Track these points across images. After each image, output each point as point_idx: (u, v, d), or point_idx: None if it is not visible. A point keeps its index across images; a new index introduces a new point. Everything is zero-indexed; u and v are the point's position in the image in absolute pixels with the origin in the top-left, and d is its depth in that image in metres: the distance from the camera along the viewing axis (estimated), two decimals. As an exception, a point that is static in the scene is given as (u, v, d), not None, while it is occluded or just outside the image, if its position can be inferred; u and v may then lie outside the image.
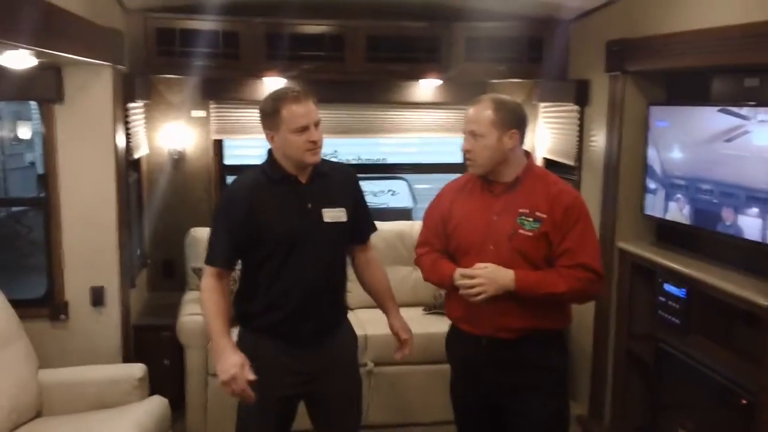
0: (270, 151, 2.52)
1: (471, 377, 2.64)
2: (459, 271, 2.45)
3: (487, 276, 2.38)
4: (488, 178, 2.53)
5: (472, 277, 2.40)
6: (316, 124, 2.42)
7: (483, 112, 2.46)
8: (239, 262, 2.59)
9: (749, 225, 2.96)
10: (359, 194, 2.66)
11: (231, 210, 2.47)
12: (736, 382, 2.89)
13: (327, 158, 2.64)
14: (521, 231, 2.44)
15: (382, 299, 2.74)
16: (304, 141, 2.38)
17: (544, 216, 2.43)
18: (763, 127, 2.86)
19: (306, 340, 2.51)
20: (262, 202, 2.45)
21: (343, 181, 2.60)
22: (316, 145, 2.41)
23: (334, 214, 2.50)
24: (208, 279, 2.51)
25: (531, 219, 2.44)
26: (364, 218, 2.67)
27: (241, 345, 2.51)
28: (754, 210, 2.93)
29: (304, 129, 2.38)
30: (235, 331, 2.60)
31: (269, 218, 2.43)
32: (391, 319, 2.71)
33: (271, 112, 2.40)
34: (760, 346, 2.72)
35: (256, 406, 2.44)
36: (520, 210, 2.46)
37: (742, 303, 2.85)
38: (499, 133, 2.44)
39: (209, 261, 2.52)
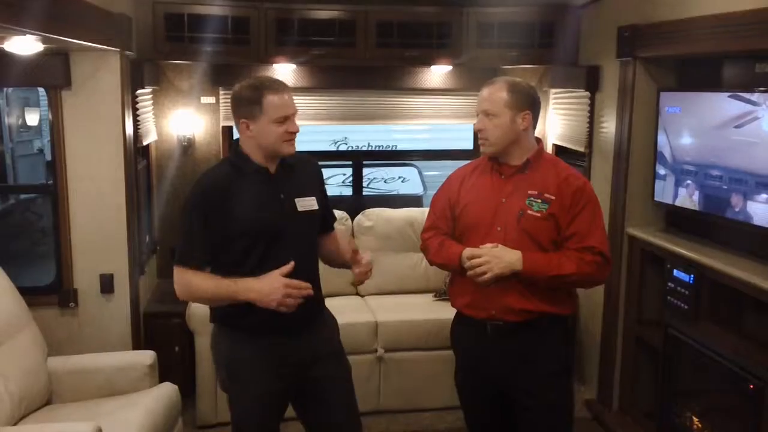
0: (236, 143, 2.47)
1: (476, 366, 2.64)
2: (468, 250, 2.45)
3: (495, 255, 2.39)
4: (498, 161, 2.54)
5: (479, 256, 2.40)
6: (294, 115, 2.41)
7: (497, 92, 2.47)
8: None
9: (758, 211, 2.94)
10: (323, 184, 2.65)
11: (205, 205, 2.37)
12: (744, 368, 2.89)
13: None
14: (529, 212, 2.45)
15: (345, 257, 2.60)
16: (284, 131, 2.36)
17: (553, 198, 2.45)
18: (774, 113, 2.83)
19: (291, 331, 2.44)
20: (235, 195, 2.37)
21: (309, 170, 2.59)
22: (293, 136, 2.40)
23: (306, 203, 2.47)
24: (181, 275, 2.40)
25: (539, 200, 2.45)
26: (328, 208, 2.66)
27: (220, 348, 2.49)
28: (764, 196, 2.91)
29: (285, 119, 2.36)
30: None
31: (246, 211, 2.36)
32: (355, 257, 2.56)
33: (251, 101, 2.35)
34: (769, 332, 2.72)
35: (247, 408, 2.44)
36: (529, 191, 2.47)
37: (751, 289, 2.84)
38: (513, 114, 2.46)
39: (183, 261, 2.40)
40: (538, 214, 2.45)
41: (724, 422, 3.13)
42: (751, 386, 2.82)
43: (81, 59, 3.50)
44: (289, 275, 2.32)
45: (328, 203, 2.65)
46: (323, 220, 2.60)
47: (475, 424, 2.78)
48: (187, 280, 2.39)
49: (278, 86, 2.39)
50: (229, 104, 4.59)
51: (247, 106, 2.37)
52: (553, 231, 2.46)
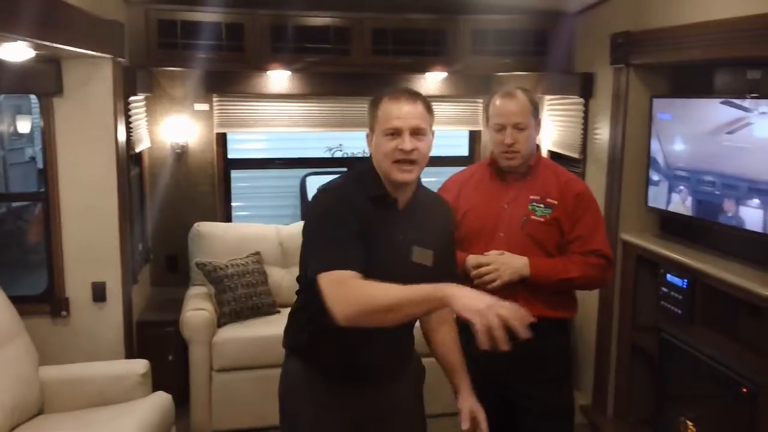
0: (370, 161, 2.06)
1: (477, 371, 2.63)
2: (472, 257, 2.45)
3: (503, 261, 2.41)
4: (502, 168, 2.55)
5: (486, 264, 2.41)
6: (414, 132, 1.95)
7: (524, 104, 2.49)
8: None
9: (751, 216, 2.95)
10: (452, 236, 2.22)
11: (345, 215, 1.92)
12: (738, 372, 2.90)
13: (424, 185, 2.18)
14: (533, 217, 2.48)
15: (452, 370, 2.17)
16: (393, 149, 1.93)
17: (555, 202, 2.48)
18: (764, 119, 2.84)
19: (371, 377, 2.08)
20: (363, 222, 1.93)
21: (441, 216, 2.18)
22: (407, 157, 1.94)
23: (422, 255, 2.05)
24: (339, 279, 1.81)
25: (542, 205, 2.48)
26: (448, 265, 2.17)
27: (291, 378, 2.15)
28: (756, 201, 2.92)
29: (396, 132, 1.94)
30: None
31: (368, 245, 1.91)
32: (462, 396, 2.14)
33: (372, 107, 2.02)
34: (762, 336, 2.73)
35: None
36: (532, 197, 2.50)
37: (744, 293, 2.84)
38: (535, 123, 2.52)
39: (337, 263, 1.83)
40: (542, 219, 2.47)
41: (718, 426, 3.12)
42: (744, 389, 2.83)
43: (73, 66, 3.49)
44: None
45: (450, 260, 2.18)
46: (438, 278, 2.03)
47: None
48: (352, 284, 1.79)
49: (402, 94, 1.98)
50: (222, 112, 4.71)
51: (369, 114, 2.03)
52: (557, 235, 2.49)
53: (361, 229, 1.90)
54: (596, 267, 2.48)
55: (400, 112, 1.95)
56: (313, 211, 2.01)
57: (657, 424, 3.50)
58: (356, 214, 1.92)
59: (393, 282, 1.76)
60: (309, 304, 1.99)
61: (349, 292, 1.77)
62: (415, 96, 2.00)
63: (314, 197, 2.02)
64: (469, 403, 2.08)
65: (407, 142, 1.93)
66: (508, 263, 2.40)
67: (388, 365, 1.98)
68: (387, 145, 1.94)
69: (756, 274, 2.88)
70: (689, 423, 3.31)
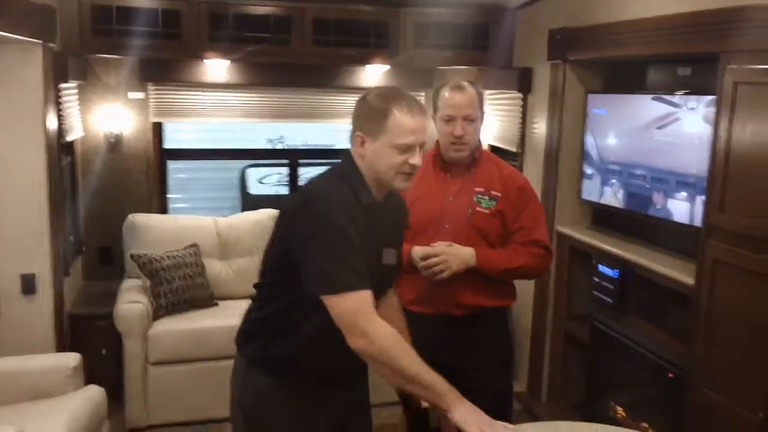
0: (350, 158, 1.99)
1: (424, 357, 2.65)
2: (419, 249, 2.48)
3: (451, 252, 2.45)
4: (444, 159, 2.59)
5: (434, 255, 2.44)
6: (421, 146, 1.96)
7: (473, 96, 2.53)
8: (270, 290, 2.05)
9: (678, 208, 3.07)
10: (404, 228, 2.20)
11: (350, 229, 1.85)
12: (665, 359, 3.01)
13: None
14: (478, 209, 2.53)
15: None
16: (402, 162, 1.91)
17: (499, 194, 2.54)
18: (693, 115, 2.95)
19: (344, 380, 2.08)
20: (358, 232, 1.87)
21: (399, 211, 2.15)
22: (413, 171, 1.95)
23: (390, 255, 2.05)
24: (375, 316, 1.80)
25: (487, 197, 2.54)
26: (401, 257, 2.18)
27: (257, 392, 2.05)
28: (683, 194, 3.03)
29: (408, 148, 1.91)
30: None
31: (362, 255, 1.87)
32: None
33: (377, 113, 1.91)
34: (687, 324, 2.83)
35: None
36: (476, 189, 2.55)
37: (671, 282, 2.96)
38: (482, 114, 2.57)
39: (360, 285, 1.80)
40: (487, 211, 2.53)
41: (646, 411, 3.24)
42: (671, 375, 2.94)
43: (1, 51, 3.36)
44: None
45: (401, 257, 2.16)
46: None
47: (418, 416, 2.79)
48: (381, 331, 1.78)
49: (413, 106, 1.92)
50: (158, 100, 4.61)
51: (370, 117, 1.93)
52: (500, 227, 2.55)
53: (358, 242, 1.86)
54: (538, 257, 2.56)
55: (415, 126, 1.91)
56: (313, 224, 1.86)
57: (589, 409, 3.60)
58: (357, 225, 1.87)
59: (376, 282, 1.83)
60: (282, 315, 1.97)
61: (385, 342, 1.78)
62: (423, 109, 1.96)
63: (311, 208, 1.88)
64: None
65: (417, 157, 1.93)
66: (456, 254, 2.45)
67: (358, 366, 1.92)
68: (397, 158, 1.91)
69: (683, 265, 2.99)
70: (619, 408, 3.43)
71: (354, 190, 1.94)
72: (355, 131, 1.95)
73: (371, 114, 1.92)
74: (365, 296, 1.80)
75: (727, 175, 2.55)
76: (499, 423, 1.80)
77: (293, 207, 1.94)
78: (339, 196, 1.90)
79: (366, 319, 1.78)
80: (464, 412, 1.77)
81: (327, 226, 1.84)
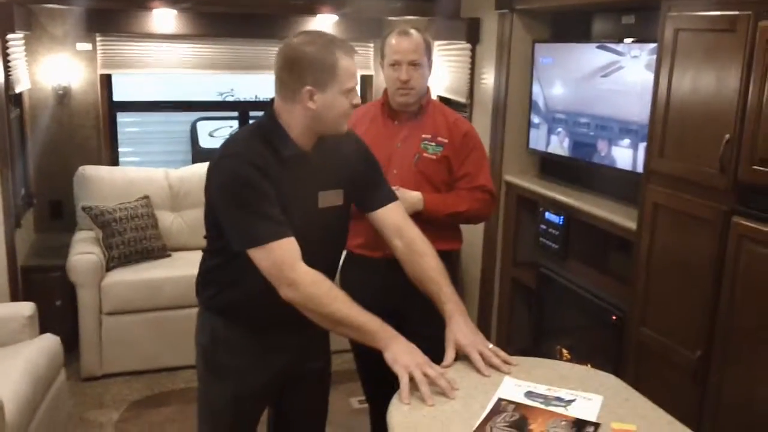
0: (272, 113, 1.94)
1: (369, 302, 2.70)
2: None
3: (399, 196, 2.46)
4: (392, 106, 2.64)
5: None
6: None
7: (419, 42, 2.56)
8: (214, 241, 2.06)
9: (622, 155, 3.17)
10: (369, 165, 2.17)
11: (260, 183, 1.84)
12: (609, 302, 3.13)
13: None
14: (425, 154, 2.59)
15: (434, 299, 2.14)
16: (350, 106, 1.92)
17: (446, 141, 2.60)
18: (635, 62, 3.03)
19: (293, 326, 2.02)
20: (276, 185, 1.87)
21: (349, 150, 2.11)
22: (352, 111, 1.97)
23: (330, 198, 2.02)
24: (298, 263, 1.82)
25: (434, 144, 2.60)
26: (374, 191, 2.16)
27: (212, 332, 2.08)
28: (626, 141, 3.13)
29: (353, 90, 1.91)
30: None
31: (283, 209, 1.87)
32: (450, 326, 2.05)
33: (325, 65, 1.84)
34: (629, 268, 2.93)
35: (232, 400, 2.08)
36: (423, 136, 2.60)
37: (614, 228, 3.07)
38: (428, 63, 2.60)
39: (278, 234, 1.81)
40: (434, 157, 2.59)
41: (590, 353, 3.37)
42: (614, 317, 3.07)
43: (-60, -2, 3.28)
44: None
45: (377, 176, 2.17)
46: (370, 197, 2.15)
47: (366, 361, 2.82)
48: (306, 278, 1.82)
49: (348, 47, 1.90)
50: (106, 52, 4.53)
51: (319, 70, 1.84)
52: (446, 172, 2.61)
53: (276, 192, 1.85)
54: (482, 202, 2.65)
55: (355, 66, 1.90)
56: (223, 181, 1.88)
57: (535, 353, 3.74)
58: (270, 178, 1.85)
59: (309, 235, 1.86)
60: (227, 267, 2.00)
61: (310, 290, 1.81)
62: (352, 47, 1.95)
63: (220, 165, 1.90)
64: (453, 335, 2.01)
65: (357, 97, 1.94)
66: (404, 198, 2.48)
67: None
68: (345, 103, 1.90)
69: (625, 210, 3.10)
70: (564, 350, 3.57)
71: (271, 144, 1.90)
72: (302, 86, 1.85)
73: (318, 65, 1.84)
74: (287, 244, 1.81)
75: (666, 121, 2.60)
76: (434, 365, 1.82)
77: (209, 165, 1.97)
78: (247, 152, 1.87)
79: (290, 268, 1.81)
80: (397, 352, 1.81)
81: (235, 180, 1.84)
